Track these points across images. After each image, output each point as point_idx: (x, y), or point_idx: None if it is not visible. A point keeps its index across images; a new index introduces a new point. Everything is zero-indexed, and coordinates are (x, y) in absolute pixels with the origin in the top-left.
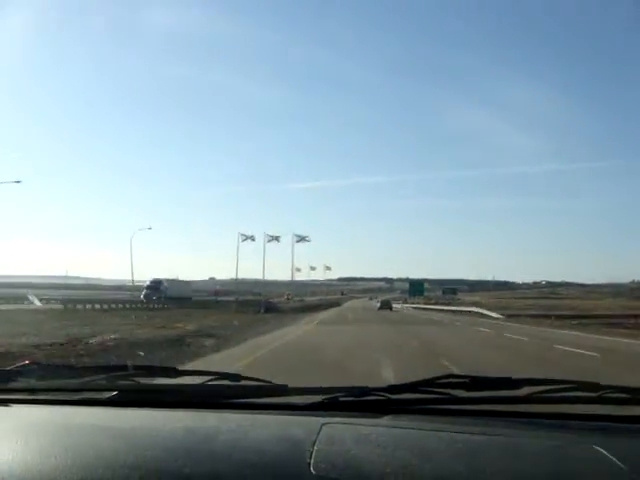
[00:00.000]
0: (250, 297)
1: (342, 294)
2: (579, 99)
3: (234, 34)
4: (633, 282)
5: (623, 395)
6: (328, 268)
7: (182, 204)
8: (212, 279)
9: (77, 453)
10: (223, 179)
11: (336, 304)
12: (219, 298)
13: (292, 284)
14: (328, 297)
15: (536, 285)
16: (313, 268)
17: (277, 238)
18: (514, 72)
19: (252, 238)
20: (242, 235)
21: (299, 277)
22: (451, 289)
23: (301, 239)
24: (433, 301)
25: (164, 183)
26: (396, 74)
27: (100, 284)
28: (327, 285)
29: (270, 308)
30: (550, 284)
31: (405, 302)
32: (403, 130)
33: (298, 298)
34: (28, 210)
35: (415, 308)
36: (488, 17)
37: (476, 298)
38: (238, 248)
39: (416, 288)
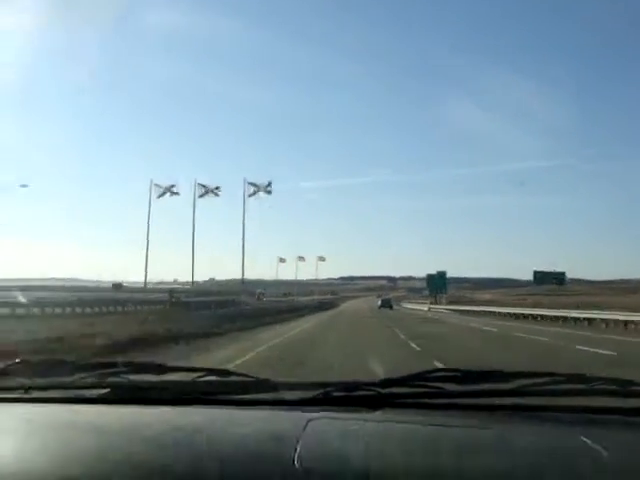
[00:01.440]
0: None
1: (332, 294)
2: (585, 100)
3: (235, 36)
4: None
5: (612, 387)
6: (322, 259)
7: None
8: (212, 279)
9: (68, 451)
10: (227, 182)
11: (328, 307)
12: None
13: (285, 283)
14: (325, 297)
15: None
16: (302, 258)
17: (215, 191)
18: (514, 72)
19: (172, 191)
20: (157, 186)
21: (290, 275)
22: (556, 277)
23: (258, 190)
24: (445, 300)
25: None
26: (396, 74)
27: None
28: (328, 284)
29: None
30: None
31: (434, 303)
32: (406, 130)
33: (289, 297)
34: None
35: (485, 313)
36: (488, 17)
37: (487, 296)
38: (150, 204)
39: (437, 283)
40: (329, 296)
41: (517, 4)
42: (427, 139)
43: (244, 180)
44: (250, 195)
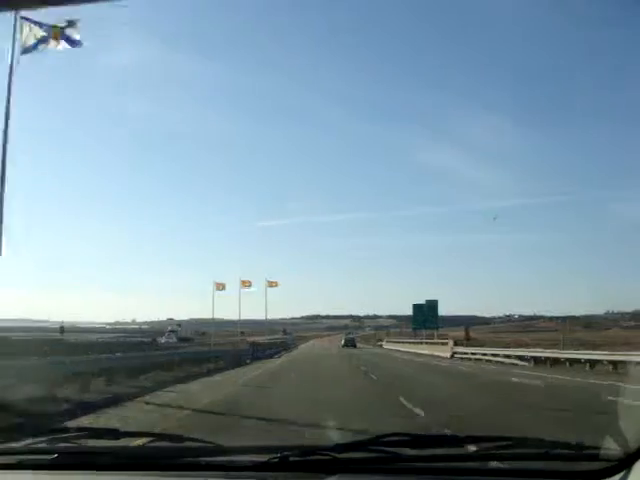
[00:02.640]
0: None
1: (284, 333)
2: (546, 135)
3: (195, 68)
4: (608, 313)
5: (567, 451)
6: (273, 284)
7: (137, 240)
8: (170, 320)
9: None
10: (189, 222)
11: (274, 353)
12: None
13: (245, 323)
14: (274, 337)
15: (509, 319)
16: (248, 284)
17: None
18: (482, 112)
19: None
20: None
21: (251, 313)
22: None
23: (49, 35)
24: (418, 340)
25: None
26: (364, 113)
27: None
28: (291, 324)
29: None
30: (523, 317)
31: (460, 343)
32: (371, 168)
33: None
34: None
35: None
36: (455, 56)
37: (458, 333)
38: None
39: (426, 316)
40: (279, 336)
41: (492, 44)
42: (390, 178)
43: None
44: (38, 45)
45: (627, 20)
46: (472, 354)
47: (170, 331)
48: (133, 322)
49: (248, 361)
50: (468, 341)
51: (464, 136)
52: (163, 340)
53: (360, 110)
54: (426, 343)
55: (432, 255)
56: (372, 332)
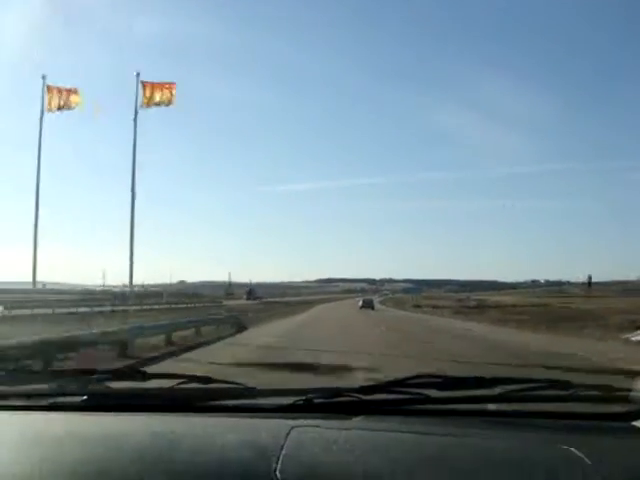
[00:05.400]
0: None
1: (249, 295)
2: (567, 100)
3: (229, 38)
4: None
5: (594, 393)
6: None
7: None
8: (182, 282)
9: (45, 460)
10: (220, 182)
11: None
12: None
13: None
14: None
15: (535, 284)
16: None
17: None
18: (499, 74)
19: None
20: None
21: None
22: None
23: None
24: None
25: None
26: (383, 77)
27: None
28: (305, 287)
29: None
30: (549, 283)
31: None
32: (389, 132)
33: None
34: None
35: None
36: (471, 18)
37: (506, 298)
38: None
39: None
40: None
41: (509, 9)
42: (408, 142)
43: None
44: None
45: None
46: None
47: None
48: (142, 285)
49: None
50: None
51: (483, 99)
52: None
53: (381, 74)
54: None
55: (452, 220)
56: (400, 295)
